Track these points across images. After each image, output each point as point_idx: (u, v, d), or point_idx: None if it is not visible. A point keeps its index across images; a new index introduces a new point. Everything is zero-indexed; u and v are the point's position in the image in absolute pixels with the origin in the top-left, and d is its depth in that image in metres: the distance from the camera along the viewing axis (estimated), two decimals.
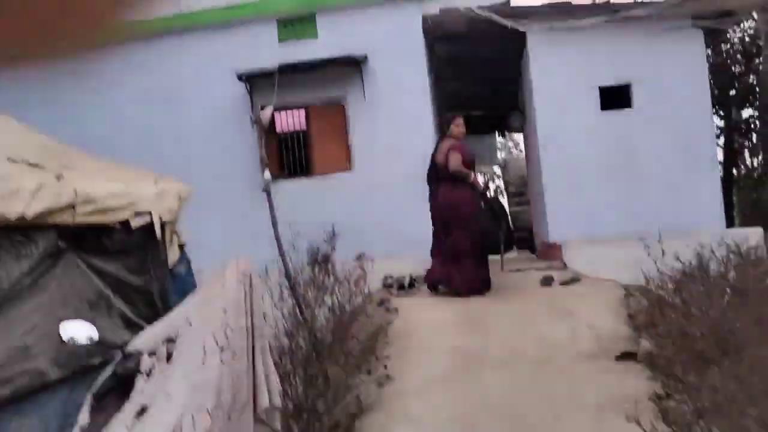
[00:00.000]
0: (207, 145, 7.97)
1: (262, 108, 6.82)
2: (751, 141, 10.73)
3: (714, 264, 5.24)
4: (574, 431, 3.27)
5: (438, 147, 6.05)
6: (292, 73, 7.58)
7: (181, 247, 4.88)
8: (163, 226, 4.59)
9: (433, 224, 6.13)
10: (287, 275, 5.09)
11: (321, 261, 5.17)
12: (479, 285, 5.77)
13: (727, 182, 10.04)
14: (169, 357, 2.78)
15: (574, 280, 5.97)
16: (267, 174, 5.21)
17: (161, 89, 8.07)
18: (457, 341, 4.56)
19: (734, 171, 10.61)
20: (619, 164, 7.23)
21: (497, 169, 19.56)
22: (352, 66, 7.59)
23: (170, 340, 2.84)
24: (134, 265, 3.92)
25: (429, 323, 5.04)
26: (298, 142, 8.11)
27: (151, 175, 4.93)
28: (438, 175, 5.95)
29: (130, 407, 2.61)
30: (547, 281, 5.94)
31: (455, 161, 5.69)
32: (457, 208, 5.74)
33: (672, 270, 5.50)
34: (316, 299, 5.03)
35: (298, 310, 4.98)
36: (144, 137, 8.13)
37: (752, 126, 10.73)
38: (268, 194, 5.22)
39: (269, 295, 4.77)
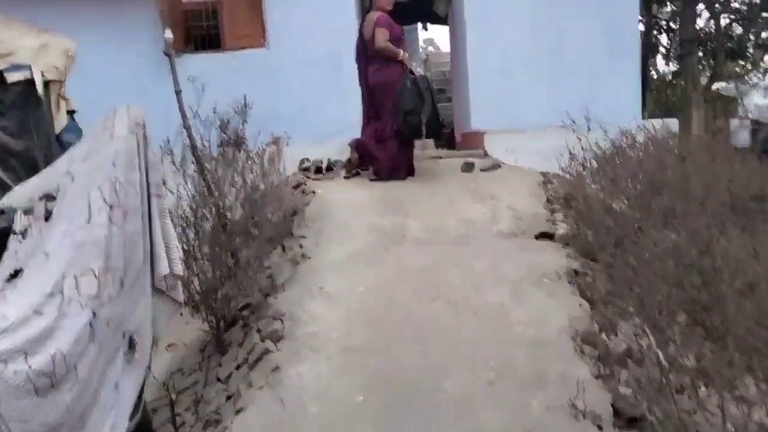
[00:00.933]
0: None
1: None
2: (671, 41, 10.85)
3: (632, 152, 5.26)
4: (494, 301, 3.21)
5: (365, 19, 5.63)
6: None
7: (71, 113, 4.32)
8: (47, 84, 4.01)
9: (363, 105, 5.85)
10: (192, 147, 4.66)
11: (231, 135, 4.75)
12: (400, 169, 5.57)
13: (643, 80, 10.16)
14: (48, 216, 2.40)
15: (495, 166, 5.88)
16: (168, 33, 4.61)
17: None
18: (377, 221, 4.38)
19: (649, 70, 10.77)
20: (546, 50, 7.05)
21: (418, 66, 19.13)
22: None
23: (49, 197, 2.44)
24: (12, 126, 3.40)
25: (347, 204, 4.82)
26: (207, 14, 7.35)
27: (31, 26, 4.26)
28: (366, 51, 5.60)
29: (1, 270, 2.24)
30: (468, 167, 5.82)
31: (382, 37, 5.33)
32: (385, 88, 5.44)
33: (590, 157, 5.50)
34: (224, 177, 4.65)
35: (204, 186, 4.60)
36: None
37: (669, 26, 10.82)
38: (170, 57, 4.66)
39: (172, 165, 4.36)
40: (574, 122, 6.00)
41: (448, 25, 9.86)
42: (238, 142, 4.78)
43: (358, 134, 6.71)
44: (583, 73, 7.03)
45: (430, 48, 22.56)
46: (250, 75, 7.18)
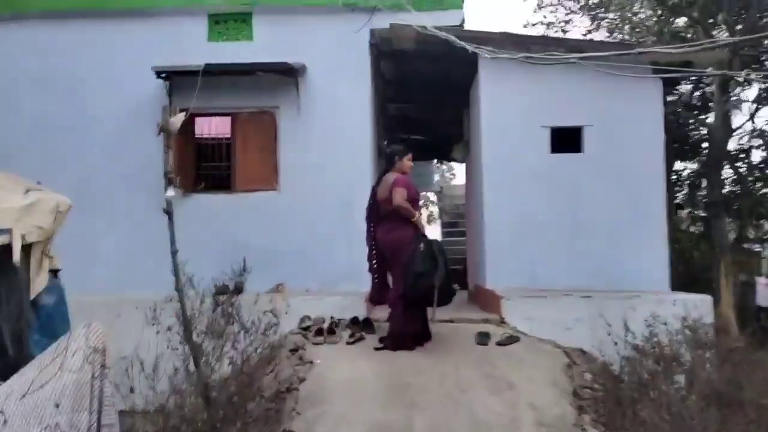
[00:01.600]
0: (111, 147, 6.96)
1: (181, 111, 5.95)
2: (692, 197, 10.66)
3: (663, 336, 4.77)
4: None
5: (381, 180, 5.49)
6: (219, 75, 6.73)
7: (55, 272, 3.95)
8: (28, 246, 3.68)
9: (370, 266, 5.59)
10: (183, 317, 4.24)
11: (224, 303, 4.34)
12: (407, 338, 5.13)
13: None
14: None
15: (513, 339, 5.39)
16: (170, 191, 4.35)
17: (64, 77, 7.03)
18: (378, 416, 3.83)
19: (671, 226, 10.46)
20: (566, 211, 6.76)
21: (433, 196, 19.14)
22: (288, 74, 6.81)
23: None
24: None
25: (347, 386, 4.30)
26: (220, 153, 7.23)
27: (22, 182, 3.99)
28: (379, 212, 5.43)
29: None
30: (483, 338, 5.33)
31: (399, 196, 5.15)
32: (396, 249, 5.18)
33: (617, 338, 5.02)
34: (215, 350, 4.20)
35: (193, 362, 4.14)
36: (38, 129, 7.06)
37: (693, 181, 10.67)
38: (170, 216, 4.36)
39: (159, 337, 3.94)
40: (595, 290, 5.59)
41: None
42: (231, 314, 4.35)
43: (364, 284, 6.34)
44: (604, 236, 6.69)
45: (445, 178, 22.77)
46: (258, 217, 6.93)
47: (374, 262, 5.50)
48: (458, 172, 25.57)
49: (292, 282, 6.81)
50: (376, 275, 5.53)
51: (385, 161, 5.67)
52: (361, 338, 5.34)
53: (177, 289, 4.34)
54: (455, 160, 10.23)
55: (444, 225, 14.75)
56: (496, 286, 6.63)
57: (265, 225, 6.92)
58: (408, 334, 5.14)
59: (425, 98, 9.34)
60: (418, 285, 4.97)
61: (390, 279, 5.45)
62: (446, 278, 5.04)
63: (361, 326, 5.61)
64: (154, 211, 6.84)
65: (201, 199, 7.01)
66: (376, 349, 5.11)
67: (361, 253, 6.64)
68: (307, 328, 5.60)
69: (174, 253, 4.41)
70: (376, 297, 5.57)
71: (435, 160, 14.19)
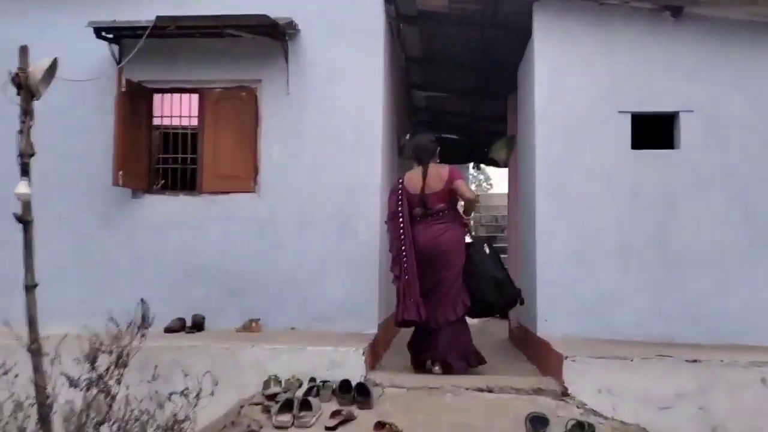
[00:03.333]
0: (48, 130, 5.27)
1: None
2: None
3: None
4: None
5: (423, 171, 4.68)
6: (179, 35, 5.01)
7: None
8: None
9: (401, 276, 4.53)
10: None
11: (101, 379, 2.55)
12: (478, 353, 4.66)
13: None
14: None
15: (587, 428, 3.47)
16: (23, 186, 2.59)
17: None
18: None
19: None
20: (652, 231, 4.83)
21: None
22: (272, 36, 5.05)
23: None
24: None
25: None
26: (185, 142, 5.50)
27: None
28: (425, 209, 4.60)
29: None
30: (538, 427, 3.44)
31: (469, 189, 4.83)
32: (451, 254, 4.55)
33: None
34: None
35: None
36: None
37: None
38: (25, 225, 2.62)
39: None
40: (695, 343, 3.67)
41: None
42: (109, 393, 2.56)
43: (368, 323, 4.88)
44: (707, 268, 4.74)
45: (481, 186, 20.75)
46: (231, 228, 5.18)
47: (406, 271, 4.50)
48: (496, 182, 23.39)
49: (271, 317, 5.06)
50: (405, 287, 4.51)
51: (420, 152, 4.79)
52: (349, 420, 3.49)
53: (31, 349, 2.59)
54: (495, 164, 8.33)
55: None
56: (552, 334, 4.72)
57: (238, 238, 5.15)
58: (473, 348, 4.64)
59: (460, 82, 7.49)
60: (503, 294, 4.63)
61: (434, 290, 4.56)
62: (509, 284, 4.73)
63: (352, 396, 3.77)
64: (102, 210, 5.20)
65: (155, 202, 5.28)
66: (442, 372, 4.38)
67: (365, 281, 4.90)
68: (272, 397, 3.78)
69: (31, 287, 2.65)
70: (409, 315, 4.48)
71: (471, 165, 12.27)
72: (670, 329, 4.71)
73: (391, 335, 6.07)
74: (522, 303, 4.80)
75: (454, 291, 4.51)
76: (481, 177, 21.14)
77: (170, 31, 4.89)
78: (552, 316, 4.84)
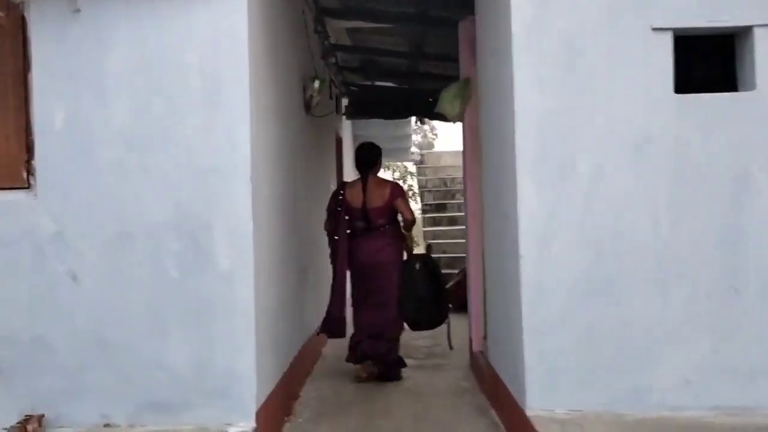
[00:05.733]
0: None
1: None
2: None
3: None
4: None
5: (364, 184, 4.58)
6: None
7: None
8: None
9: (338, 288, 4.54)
10: None
11: None
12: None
13: None
14: None
15: None
16: None
17: None
18: None
19: None
20: (714, 235, 2.86)
21: (411, 167, 15.04)
22: None
23: None
24: None
25: None
26: None
27: None
28: (367, 223, 4.54)
29: None
30: None
31: (410, 209, 4.70)
32: (392, 269, 4.53)
33: None
34: None
35: None
36: None
37: None
38: None
39: None
40: None
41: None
42: None
43: (237, 409, 2.89)
44: None
45: (426, 138, 18.66)
46: None
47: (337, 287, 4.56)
48: (444, 133, 21.00)
49: (67, 407, 2.92)
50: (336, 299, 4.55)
51: (360, 162, 4.71)
52: None
53: None
54: (443, 119, 6.24)
55: (426, 209, 10.75)
56: (553, 413, 2.74)
57: (7, 271, 2.93)
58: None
59: (394, 4, 5.30)
60: (423, 313, 4.54)
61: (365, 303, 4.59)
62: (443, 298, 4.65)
63: None
64: None
65: None
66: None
67: (230, 339, 2.79)
68: None
69: None
70: (332, 332, 4.59)
71: (414, 119, 10.13)
72: (745, 393, 2.82)
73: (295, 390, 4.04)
74: (447, 323, 4.68)
75: (393, 302, 4.51)
76: (426, 127, 18.57)
77: None
78: (550, 380, 2.86)
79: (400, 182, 16.22)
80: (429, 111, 7.61)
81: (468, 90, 4.75)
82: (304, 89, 4.75)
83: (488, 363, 3.98)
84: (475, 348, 4.72)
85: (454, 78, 5.34)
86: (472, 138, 4.71)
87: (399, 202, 4.56)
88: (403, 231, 4.68)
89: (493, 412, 3.70)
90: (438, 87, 5.57)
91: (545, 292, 2.89)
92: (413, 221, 4.66)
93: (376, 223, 4.53)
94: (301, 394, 4.13)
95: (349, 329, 4.63)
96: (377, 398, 4.06)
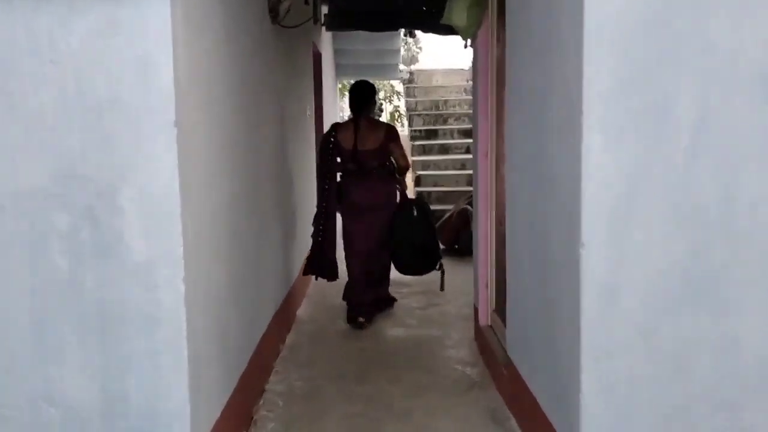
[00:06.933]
0: None
1: None
2: None
3: None
4: None
5: (357, 126, 4.37)
6: None
7: None
8: None
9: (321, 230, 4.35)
10: None
11: None
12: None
13: None
14: None
15: None
16: None
17: None
18: None
19: None
20: None
21: (399, 86, 13.70)
22: None
23: None
24: None
25: None
26: None
27: None
28: (359, 165, 4.38)
29: None
30: None
31: (405, 155, 4.55)
32: (383, 211, 4.43)
33: None
34: None
35: None
36: None
37: None
38: None
39: None
40: None
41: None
42: None
43: None
44: None
45: (409, 42, 16.73)
46: None
47: (325, 231, 4.36)
48: (428, 45, 18.19)
49: None
50: (320, 247, 4.37)
51: (354, 101, 4.48)
52: None
53: None
54: (446, 32, 5.07)
55: (415, 135, 9.68)
56: None
57: None
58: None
59: None
60: (416, 258, 4.49)
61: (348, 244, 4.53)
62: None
63: None
64: None
65: None
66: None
67: (153, 368, 1.76)
68: None
69: None
70: (329, 271, 4.44)
71: (402, 32, 8.85)
72: None
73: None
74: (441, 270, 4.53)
75: (385, 245, 4.45)
76: (410, 40, 16.16)
77: None
78: (618, 420, 1.99)
79: (385, 103, 14.96)
80: (424, 22, 6.43)
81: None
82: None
83: (507, 356, 3.09)
84: (482, 321, 3.84)
85: None
86: (487, 59, 3.64)
87: (393, 146, 4.42)
88: (397, 176, 4.53)
89: (513, 422, 2.86)
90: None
91: (618, 295, 1.96)
92: (407, 167, 4.56)
93: (368, 166, 4.39)
94: (266, 387, 3.25)
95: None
96: (365, 396, 3.20)
